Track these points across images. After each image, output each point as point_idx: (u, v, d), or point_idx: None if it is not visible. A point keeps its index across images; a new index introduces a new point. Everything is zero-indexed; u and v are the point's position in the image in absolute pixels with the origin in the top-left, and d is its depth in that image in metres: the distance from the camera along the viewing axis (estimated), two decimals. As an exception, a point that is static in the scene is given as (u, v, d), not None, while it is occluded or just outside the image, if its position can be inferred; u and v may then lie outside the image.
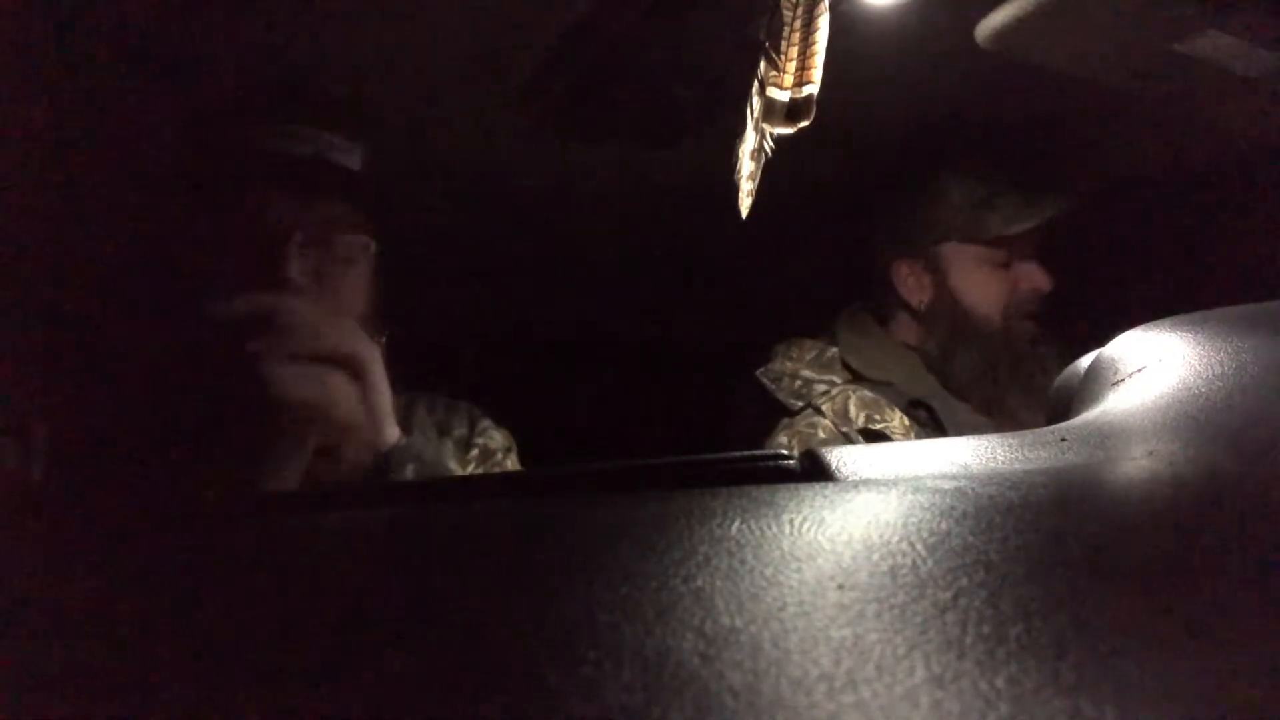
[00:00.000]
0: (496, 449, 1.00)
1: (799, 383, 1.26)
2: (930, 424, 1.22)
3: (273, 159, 0.79)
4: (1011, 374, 1.22)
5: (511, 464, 1.00)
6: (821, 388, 1.24)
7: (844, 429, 1.19)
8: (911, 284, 1.29)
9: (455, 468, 0.91)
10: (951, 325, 1.26)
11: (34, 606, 0.28)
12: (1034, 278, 1.25)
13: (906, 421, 1.20)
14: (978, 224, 1.24)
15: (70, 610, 0.28)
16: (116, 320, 0.72)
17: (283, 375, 0.68)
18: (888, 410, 1.20)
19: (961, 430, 1.21)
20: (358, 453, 0.73)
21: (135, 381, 0.69)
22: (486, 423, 1.01)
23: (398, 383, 0.78)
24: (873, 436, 1.18)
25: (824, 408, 1.21)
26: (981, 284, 1.26)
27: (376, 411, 0.72)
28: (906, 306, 1.30)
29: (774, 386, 1.27)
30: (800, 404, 1.24)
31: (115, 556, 0.33)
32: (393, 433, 0.75)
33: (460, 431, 0.98)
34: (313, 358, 0.69)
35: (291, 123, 0.81)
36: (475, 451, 0.97)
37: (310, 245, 0.78)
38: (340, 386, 0.70)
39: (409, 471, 0.76)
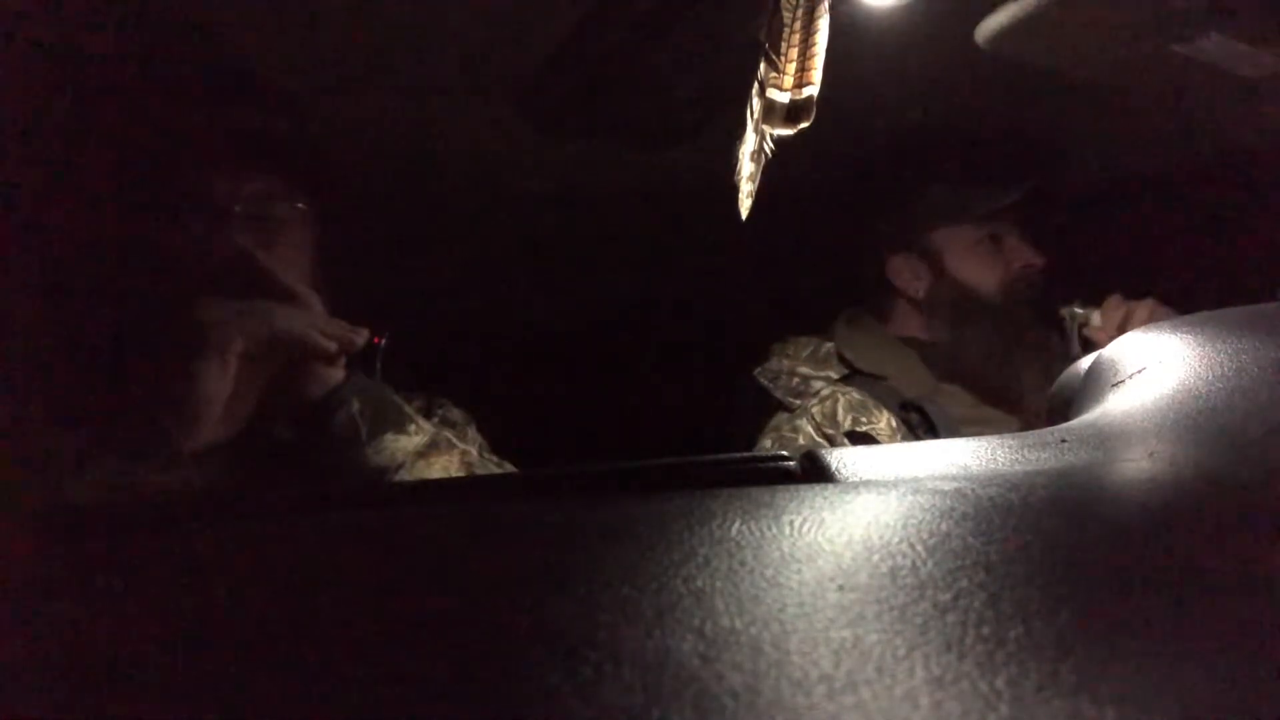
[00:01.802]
0: (457, 420, 1.01)
1: (796, 380, 1.27)
2: (922, 426, 1.22)
3: (209, 136, 0.84)
4: (1017, 354, 1.24)
5: (473, 433, 1.01)
6: (817, 385, 1.24)
7: (829, 431, 1.19)
8: (908, 275, 1.30)
9: (419, 419, 0.92)
10: (954, 310, 1.28)
11: (17, 604, 0.28)
12: (1025, 255, 1.27)
13: (894, 423, 1.20)
14: (964, 204, 1.26)
15: (53, 609, 0.27)
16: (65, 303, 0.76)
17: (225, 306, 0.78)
18: (875, 412, 1.21)
19: (952, 432, 1.21)
20: (304, 384, 0.82)
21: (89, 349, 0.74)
22: (444, 400, 1.03)
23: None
24: (858, 438, 1.19)
25: (813, 410, 1.22)
26: (977, 264, 1.27)
27: (318, 344, 0.81)
28: (907, 299, 1.31)
29: (771, 385, 1.28)
30: (798, 402, 1.24)
31: (106, 555, 0.33)
32: (338, 372, 0.84)
33: (418, 403, 1.00)
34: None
35: (224, 100, 0.86)
36: (436, 419, 0.99)
37: (249, 215, 0.84)
38: (281, 316, 0.80)
39: (355, 406, 0.84)
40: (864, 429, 1.19)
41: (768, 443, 1.21)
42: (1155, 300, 1.19)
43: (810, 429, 1.20)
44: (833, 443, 1.19)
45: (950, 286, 1.28)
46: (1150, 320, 1.16)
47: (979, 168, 1.25)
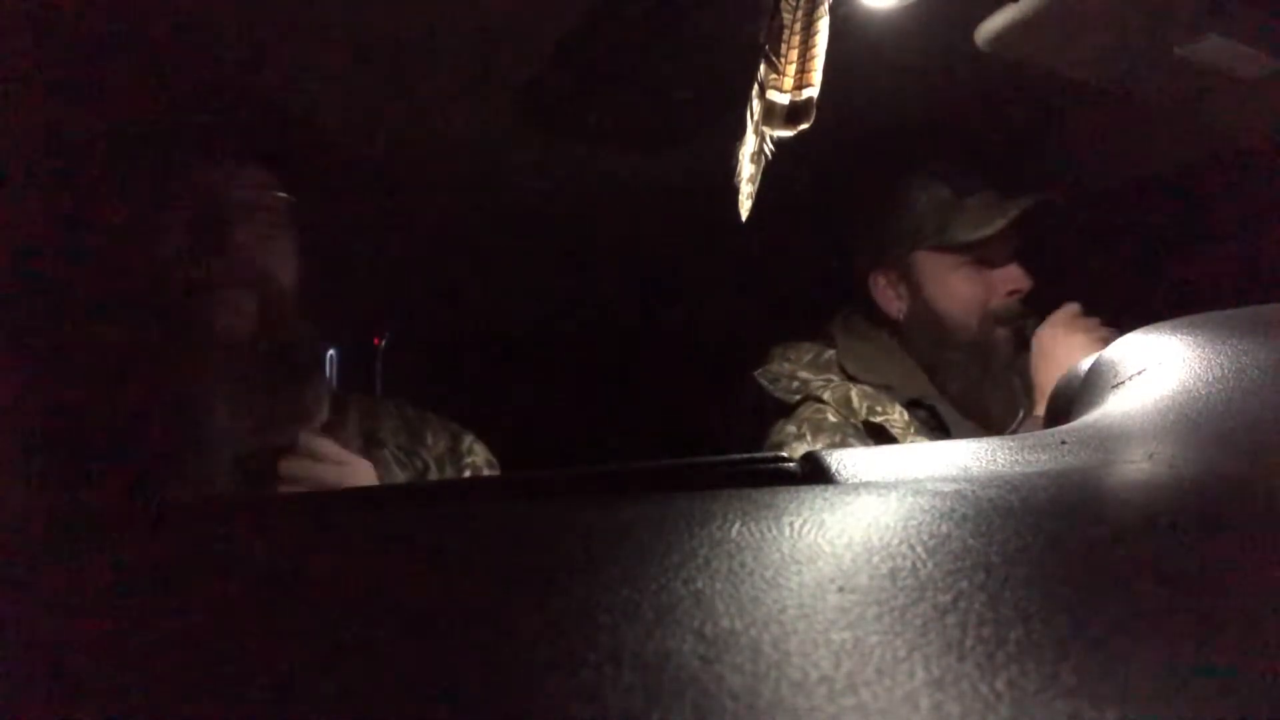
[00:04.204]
0: (483, 466, 1.00)
1: (796, 383, 1.25)
2: (932, 422, 1.21)
3: (202, 127, 0.83)
4: (994, 383, 1.21)
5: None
6: (820, 384, 1.23)
7: (846, 414, 1.18)
8: (889, 295, 1.27)
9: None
10: (931, 335, 1.24)
11: (30, 602, 0.28)
12: (1012, 280, 1.22)
13: (906, 416, 1.19)
14: (946, 230, 1.21)
15: (62, 608, 0.28)
16: (52, 304, 0.75)
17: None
18: (888, 404, 1.19)
19: (962, 428, 1.20)
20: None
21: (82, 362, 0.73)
22: (469, 438, 1.00)
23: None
24: (874, 429, 1.17)
25: (825, 397, 1.20)
26: (955, 291, 1.23)
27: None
28: (888, 317, 1.29)
29: (771, 386, 1.26)
30: (798, 397, 1.23)
31: (109, 554, 0.33)
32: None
33: (443, 445, 0.98)
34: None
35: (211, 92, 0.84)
36: (468, 474, 0.97)
37: (236, 210, 0.83)
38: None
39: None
40: (879, 419, 1.17)
41: (792, 428, 1.19)
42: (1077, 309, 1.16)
43: (830, 414, 1.19)
44: (854, 428, 1.17)
45: (927, 310, 1.24)
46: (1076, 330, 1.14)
47: (967, 191, 1.21)
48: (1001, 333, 1.23)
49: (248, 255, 0.82)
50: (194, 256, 0.80)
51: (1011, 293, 1.23)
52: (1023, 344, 1.21)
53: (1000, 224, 1.18)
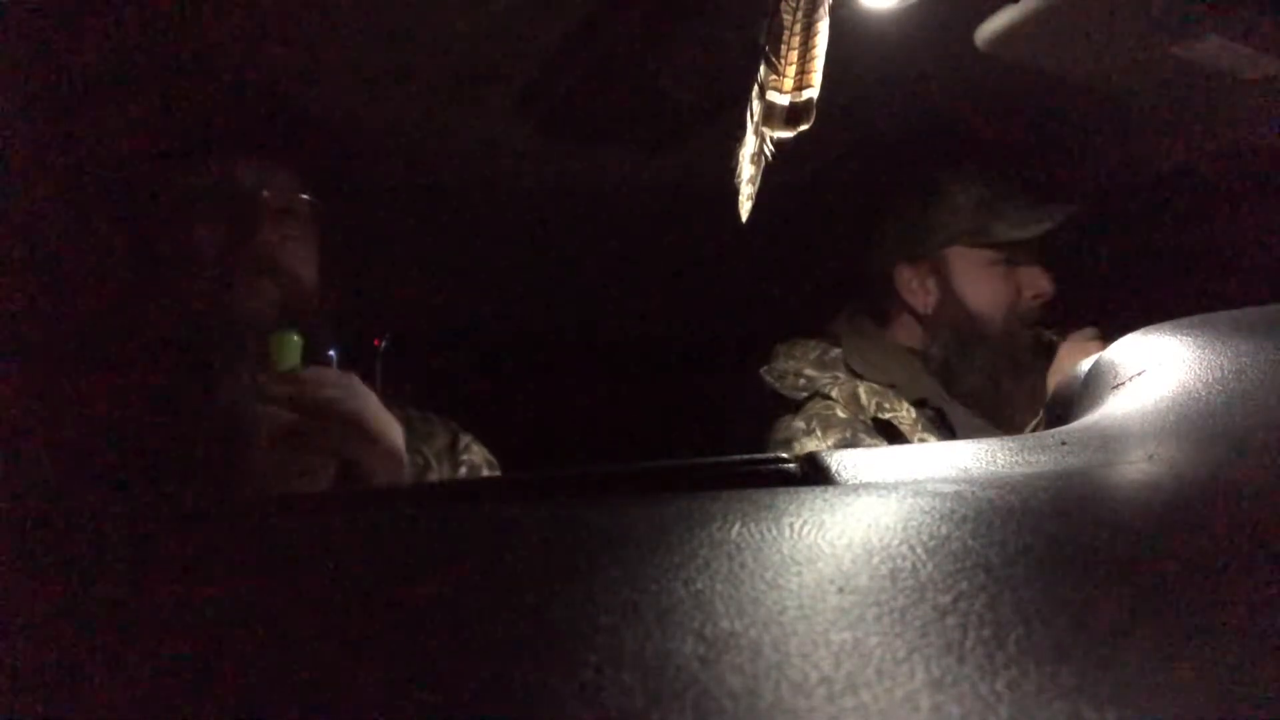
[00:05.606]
0: (480, 464, 1.01)
1: (802, 380, 1.25)
2: (937, 421, 1.21)
3: (236, 130, 0.85)
4: (1014, 381, 1.22)
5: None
6: (826, 381, 1.24)
7: (854, 410, 1.19)
8: (915, 287, 1.28)
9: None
10: (956, 330, 1.26)
11: (35, 605, 0.28)
12: (1038, 283, 1.25)
13: (914, 414, 1.19)
14: (985, 228, 1.23)
15: (64, 611, 0.28)
16: (98, 311, 0.76)
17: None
18: (896, 400, 1.20)
19: (968, 428, 1.21)
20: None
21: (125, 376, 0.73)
22: (468, 437, 1.02)
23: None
24: (882, 425, 1.18)
25: (833, 393, 1.21)
26: (987, 288, 1.25)
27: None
28: (909, 310, 1.30)
29: (777, 384, 1.26)
30: (805, 395, 1.23)
31: (117, 558, 0.33)
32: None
33: (442, 442, 0.99)
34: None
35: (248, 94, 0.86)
36: (464, 470, 0.98)
37: (273, 208, 0.84)
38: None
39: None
40: (887, 416, 1.18)
41: (800, 424, 1.19)
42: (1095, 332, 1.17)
43: (839, 410, 1.19)
44: (863, 424, 1.18)
45: (955, 305, 1.26)
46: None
47: (1005, 193, 1.23)
48: (1022, 334, 1.24)
49: (272, 256, 0.82)
50: (220, 258, 0.81)
51: (1035, 296, 1.25)
52: (1039, 349, 1.23)
53: (1043, 227, 1.21)
